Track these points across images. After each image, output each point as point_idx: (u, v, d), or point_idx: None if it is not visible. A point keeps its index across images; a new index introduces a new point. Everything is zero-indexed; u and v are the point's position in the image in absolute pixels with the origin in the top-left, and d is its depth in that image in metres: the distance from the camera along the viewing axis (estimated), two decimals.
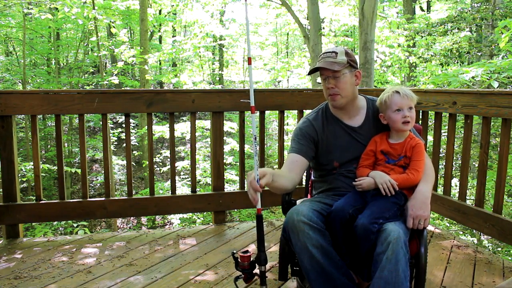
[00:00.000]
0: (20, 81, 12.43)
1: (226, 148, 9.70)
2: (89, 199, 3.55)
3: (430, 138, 4.43)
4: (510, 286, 1.54)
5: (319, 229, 1.97)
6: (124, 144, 3.69)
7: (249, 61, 2.22)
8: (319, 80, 2.31)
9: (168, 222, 11.48)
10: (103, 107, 3.44)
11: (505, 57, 6.31)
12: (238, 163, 4.22)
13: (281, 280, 2.45)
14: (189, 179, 4.20)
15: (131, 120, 4.14)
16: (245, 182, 3.03)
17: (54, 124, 3.51)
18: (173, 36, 19.09)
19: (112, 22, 10.07)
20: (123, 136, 3.20)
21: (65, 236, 3.66)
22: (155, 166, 11.31)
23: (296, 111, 4.08)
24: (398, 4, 14.96)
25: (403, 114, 2.12)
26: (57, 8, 10.74)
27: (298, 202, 2.30)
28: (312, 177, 2.51)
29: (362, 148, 2.22)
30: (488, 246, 7.77)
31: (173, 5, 15.83)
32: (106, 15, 9.52)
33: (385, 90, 2.22)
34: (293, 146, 2.30)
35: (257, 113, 3.70)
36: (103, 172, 4.03)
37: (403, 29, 11.97)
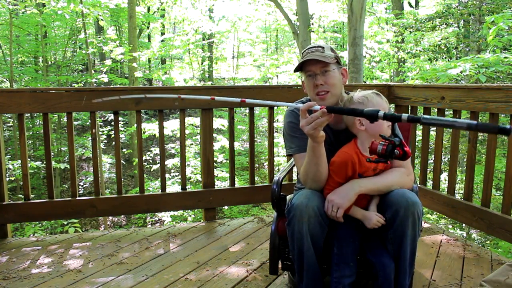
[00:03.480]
0: (7, 79, 12.28)
1: (217, 146, 9.69)
2: (78, 198, 3.52)
3: (419, 133, 4.46)
4: (496, 277, 1.56)
5: (324, 227, 1.95)
6: (114, 142, 3.66)
7: None
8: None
9: (158, 220, 11.45)
10: (92, 105, 3.41)
11: (493, 51, 6.36)
12: (228, 161, 4.21)
13: (272, 275, 2.46)
14: (180, 176, 4.19)
15: (120, 118, 4.10)
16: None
17: (42, 123, 3.47)
18: (162, 34, 18.99)
19: (100, 15, 9.97)
20: (113, 134, 3.20)
21: (55, 235, 3.63)
22: (145, 164, 11.27)
23: (285, 108, 4.09)
24: (386, 0, 15.03)
25: (388, 123, 1.93)
26: (44, 4, 10.63)
27: (288, 197, 2.29)
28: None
29: None
30: (476, 239, 7.86)
31: (162, 2, 15.74)
32: (95, 9, 9.42)
33: (361, 95, 1.99)
34: (298, 145, 2.08)
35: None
36: (92, 170, 4.00)
37: (392, 24, 12.05)
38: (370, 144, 1.59)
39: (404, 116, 1.44)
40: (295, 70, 2.12)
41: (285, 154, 2.23)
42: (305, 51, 2.08)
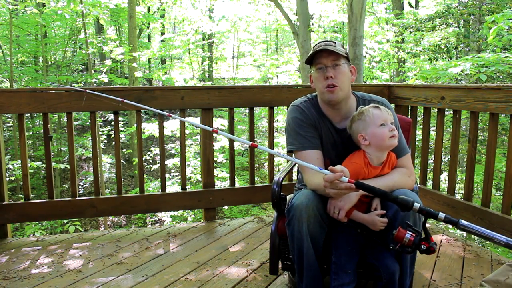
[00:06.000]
0: (7, 79, 12.28)
1: (217, 146, 9.69)
2: (78, 198, 3.52)
3: (419, 133, 4.46)
4: (496, 277, 1.55)
5: (324, 227, 1.95)
6: (114, 142, 3.66)
7: None
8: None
9: (158, 220, 11.45)
10: (92, 105, 3.41)
11: (493, 51, 6.37)
12: (228, 161, 4.21)
13: (272, 275, 2.45)
14: (180, 176, 4.19)
15: (120, 118, 4.10)
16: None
17: (42, 123, 3.47)
18: (162, 34, 18.98)
19: (100, 15, 9.97)
20: (113, 134, 3.21)
21: (55, 235, 3.63)
22: (145, 164, 11.26)
23: (285, 107, 4.09)
24: (386, 0, 15.02)
25: (390, 128, 1.91)
26: (44, 4, 10.62)
27: (288, 197, 2.29)
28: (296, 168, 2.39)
29: (346, 150, 2.06)
30: (476, 239, 7.85)
31: (162, 2, 15.74)
32: (95, 9, 9.43)
33: (358, 111, 2.00)
34: (301, 142, 2.06)
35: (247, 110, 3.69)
36: (92, 170, 4.00)
37: (392, 24, 12.04)
38: (397, 231, 1.58)
39: (441, 215, 1.42)
40: (306, 62, 2.11)
41: (286, 150, 2.20)
42: (316, 44, 2.08)
